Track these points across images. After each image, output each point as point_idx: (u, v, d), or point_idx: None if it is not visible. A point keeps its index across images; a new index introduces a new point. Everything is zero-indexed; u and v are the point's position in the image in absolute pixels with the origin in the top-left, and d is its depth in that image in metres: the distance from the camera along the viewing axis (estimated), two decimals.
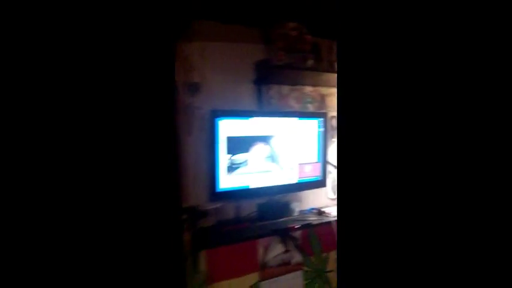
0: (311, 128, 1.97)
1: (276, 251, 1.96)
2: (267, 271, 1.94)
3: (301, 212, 2.04)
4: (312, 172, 1.99)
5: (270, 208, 1.94)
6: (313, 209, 2.10)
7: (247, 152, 1.79)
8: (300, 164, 1.95)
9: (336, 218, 1.98)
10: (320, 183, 2.08)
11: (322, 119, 2.05)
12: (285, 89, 2.09)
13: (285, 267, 1.99)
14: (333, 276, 2.04)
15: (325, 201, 2.24)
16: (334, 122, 2.22)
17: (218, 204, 1.81)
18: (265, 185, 1.86)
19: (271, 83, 2.02)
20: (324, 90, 2.23)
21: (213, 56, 1.88)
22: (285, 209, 1.98)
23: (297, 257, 2.03)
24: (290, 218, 1.98)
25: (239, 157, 1.77)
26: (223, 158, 1.73)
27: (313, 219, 1.98)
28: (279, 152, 1.89)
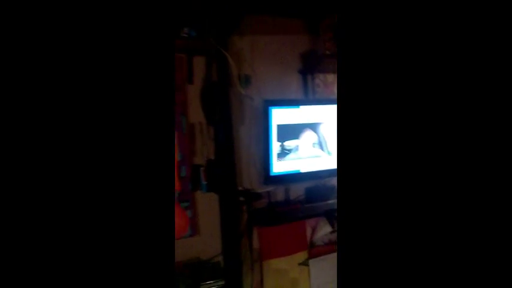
0: None
1: (323, 231, 2.09)
2: (315, 250, 2.07)
3: None
4: None
5: (318, 191, 2.06)
6: None
7: (296, 139, 1.91)
8: None
9: None
10: None
11: None
12: (330, 77, 2.18)
13: (332, 246, 2.12)
14: None
15: None
16: None
17: (271, 188, 1.95)
18: (314, 170, 1.98)
19: (316, 72, 2.11)
20: None
21: (261, 49, 1.99)
22: (331, 192, 2.09)
23: None
24: (336, 200, 2.09)
25: (290, 143, 1.89)
26: (274, 144, 1.85)
27: None
28: (326, 138, 1.99)
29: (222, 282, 1.68)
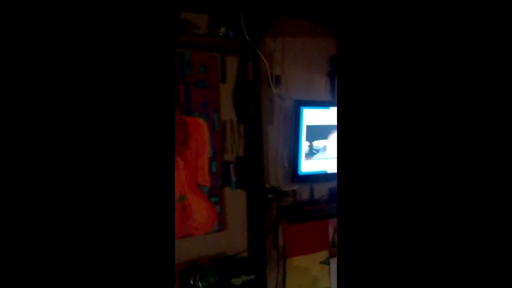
0: None
1: None
2: (336, 249, 2.11)
3: None
4: None
5: None
6: None
7: (325, 139, 1.95)
8: None
9: None
10: None
11: None
12: None
13: None
14: None
15: None
16: None
17: (297, 186, 1.98)
18: None
19: None
20: None
21: (292, 51, 2.03)
22: None
23: None
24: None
25: (318, 144, 1.93)
26: (303, 144, 1.89)
27: None
28: None
29: (251, 277, 1.71)
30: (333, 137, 1.97)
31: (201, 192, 1.78)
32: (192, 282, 1.61)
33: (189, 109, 1.74)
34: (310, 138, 1.91)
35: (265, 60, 1.83)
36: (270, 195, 1.90)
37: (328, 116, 1.95)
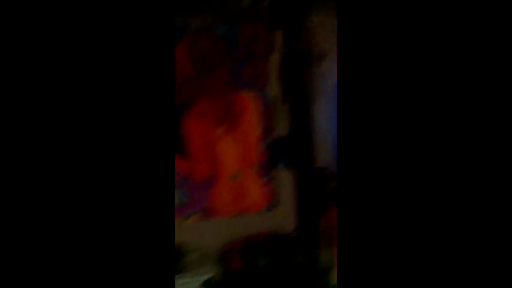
0: None
1: None
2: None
3: None
4: None
5: None
6: None
7: None
8: None
9: None
10: None
11: None
12: None
13: None
14: None
15: None
16: None
17: None
18: None
19: None
20: None
21: (333, 28, 1.99)
22: None
23: None
24: None
25: None
26: None
27: None
28: None
29: (306, 257, 1.68)
30: None
31: (253, 170, 1.74)
32: (251, 259, 1.57)
33: (239, 85, 1.71)
34: None
35: (310, 34, 1.79)
36: (319, 176, 1.86)
37: None
